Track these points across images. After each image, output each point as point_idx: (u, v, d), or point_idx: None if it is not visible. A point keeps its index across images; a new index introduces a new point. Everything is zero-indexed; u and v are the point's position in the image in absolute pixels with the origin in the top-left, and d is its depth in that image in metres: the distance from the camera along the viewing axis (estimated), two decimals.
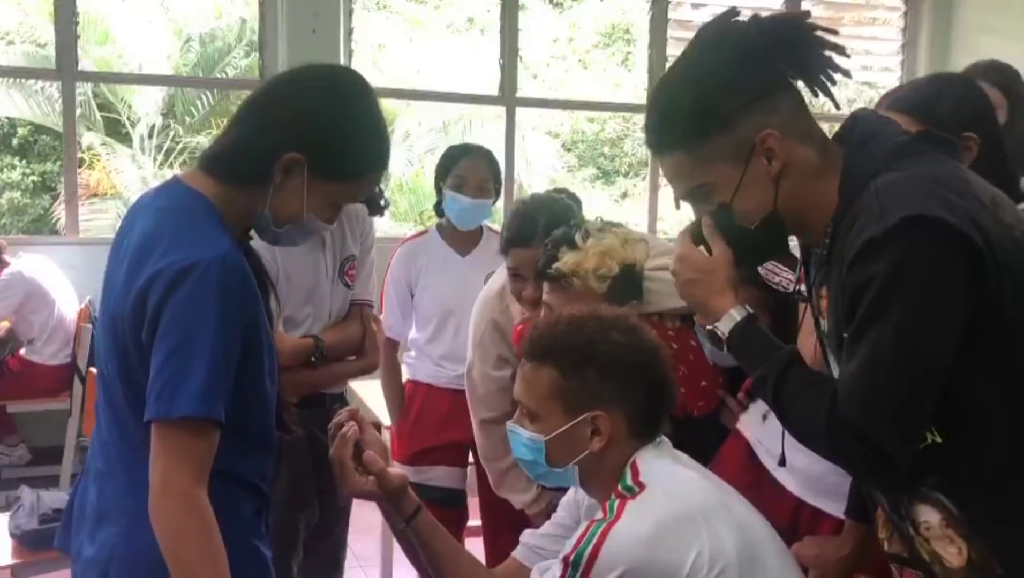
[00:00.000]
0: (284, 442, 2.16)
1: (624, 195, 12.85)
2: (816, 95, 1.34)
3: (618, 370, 1.54)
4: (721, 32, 1.33)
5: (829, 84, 1.34)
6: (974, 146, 1.79)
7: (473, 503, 2.97)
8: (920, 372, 1.20)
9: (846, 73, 1.33)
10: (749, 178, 1.31)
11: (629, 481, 1.51)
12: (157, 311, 1.38)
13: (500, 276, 2.55)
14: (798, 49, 1.32)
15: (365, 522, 3.16)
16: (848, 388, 1.24)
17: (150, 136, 11.16)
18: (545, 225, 2.26)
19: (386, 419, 3.23)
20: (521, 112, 5.99)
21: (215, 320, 1.38)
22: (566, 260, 2.03)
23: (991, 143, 1.81)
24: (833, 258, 1.29)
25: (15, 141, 11.43)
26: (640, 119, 7.79)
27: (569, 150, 13.10)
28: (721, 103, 1.30)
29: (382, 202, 2.43)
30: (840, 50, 1.32)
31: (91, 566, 1.49)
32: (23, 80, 9.93)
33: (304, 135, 1.49)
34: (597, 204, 11.55)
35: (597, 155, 13.24)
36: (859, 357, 1.22)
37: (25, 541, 2.82)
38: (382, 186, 2.42)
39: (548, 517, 1.82)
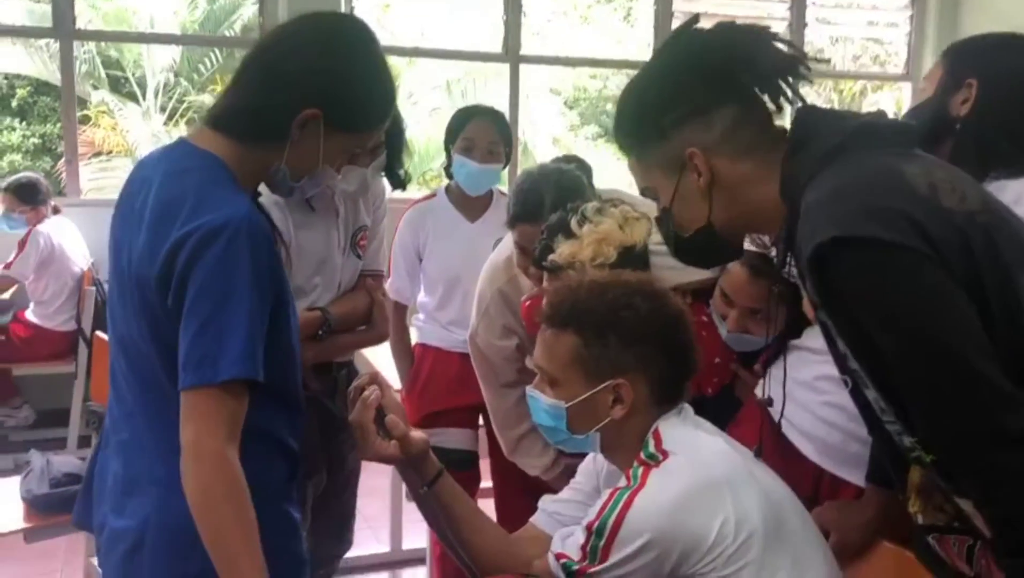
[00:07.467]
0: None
1: None
2: (778, 105, 1.33)
3: (641, 338, 1.52)
4: (675, 41, 1.37)
5: (791, 89, 1.31)
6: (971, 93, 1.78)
7: (484, 465, 2.96)
8: (967, 371, 1.12)
9: (807, 80, 1.32)
10: (682, 190, 1.35)
11: (652, 449, 1.49)
12: (184, 274, 1.36)
13: (508, 245, 2.48)
14: (753, 58, 1.31)
15: (374, 484, 3.17)
16: (941, 441, 1.18)
17: (155, 95, 11.08)
18: (553, 201, 2.20)
19: (395, 382, 3.23)
20: (523, 70, 5.91)
21: (249, 280, 1.36)
22: (562, 251, 1.97)
23: (987, 86, 1.78)
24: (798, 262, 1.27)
25: (14, 103, 11.34)
26: None
27: (571, 108, 12.99)
28: (658, 116, 1.34)
29: (402, 174, 2.37)
30: (797, 58, 1.31)
31: (121, 537, 1.47)
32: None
33: (319, 90, 1.48)
34: (599, 163, 11.46)
35: (599, 113, 13.12)
36: (917, 407, 1.17)
37: (36, 505, 2.83)
38: (404, 159, 2.35)
39: (566, 480, 1.80)
